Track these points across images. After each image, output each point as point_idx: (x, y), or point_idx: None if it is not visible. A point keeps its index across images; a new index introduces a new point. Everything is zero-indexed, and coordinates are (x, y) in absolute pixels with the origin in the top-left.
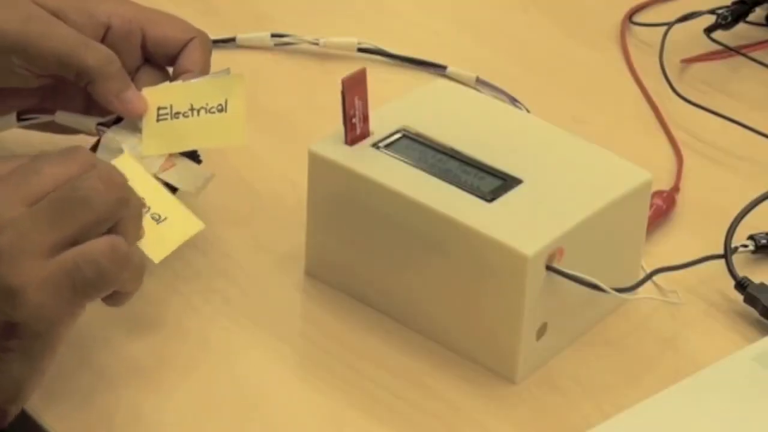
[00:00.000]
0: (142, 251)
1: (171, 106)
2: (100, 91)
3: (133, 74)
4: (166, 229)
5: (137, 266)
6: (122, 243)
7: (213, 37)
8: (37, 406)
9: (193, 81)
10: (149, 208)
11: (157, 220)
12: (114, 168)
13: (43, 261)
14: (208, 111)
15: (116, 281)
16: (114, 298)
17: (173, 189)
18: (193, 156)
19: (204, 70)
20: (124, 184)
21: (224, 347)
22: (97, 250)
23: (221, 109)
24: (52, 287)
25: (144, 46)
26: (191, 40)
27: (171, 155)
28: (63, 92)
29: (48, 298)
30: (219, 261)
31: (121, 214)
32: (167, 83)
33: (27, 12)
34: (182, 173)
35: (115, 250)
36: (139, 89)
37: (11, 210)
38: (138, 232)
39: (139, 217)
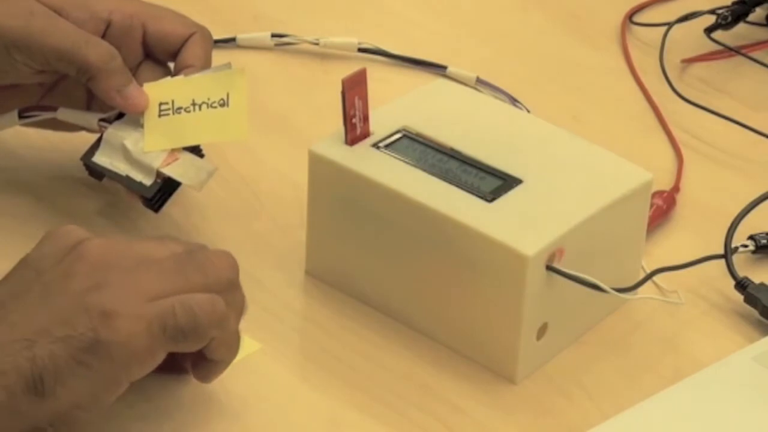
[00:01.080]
0: (239, 331)
1: (172, 101)
2: (101, 87)
3: (134, 70)
4: None
5: (231, 334)
6: (222, 303)
7: (213, 37)
8: None
9: (194, 76)
10: None
11: None
12: (230, 254)
13: (145, 301)
14: (210, 106)
15: (206, 336)
16: (204, 367)
17: (176, 183)
18: (195, 150)
19: (205, 64)
20: (237, 270)
21: None
22: (196, 300)
23: (223, 104)
24: (145, 323)
25: (145, 42)
26: (192, 35)
27: (173, 150)
28: (64, 89)
29: (138, 330)
30: None
31: (229, 294)
32: (168, 78)
33: (29, 8)
34: (185, 167)
35: (214, 306)
36: (141, 85)
37: (125, 258)
38: (239, 318)
39: (242, 306)
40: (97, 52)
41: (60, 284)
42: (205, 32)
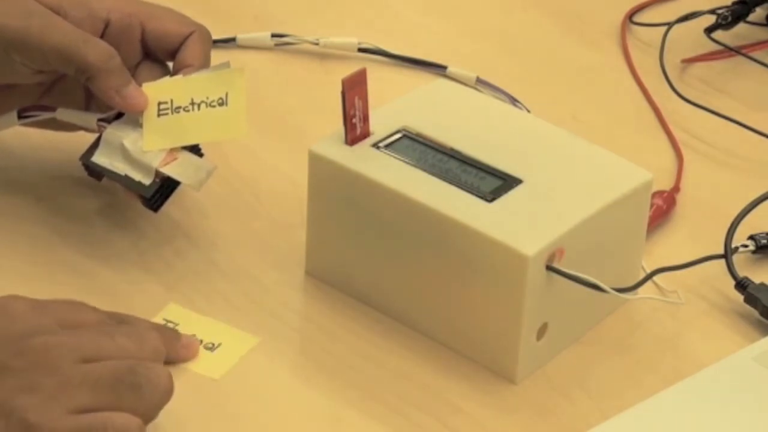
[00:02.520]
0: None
1: (171, 101)
2: (100, 87)
3: (133, 69)
4: (222, 351)
5: None
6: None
7: (213, 37)
8: None
9: (193, 75)
10: (201, 340)
11: (212, 348)
12: (169, 373)
13: (69, 415)
14: (209, 105)
15: None
16: None
17: (176, 183)
18: (194, 150)
19: (204, 63)
20: (171, 393)
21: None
22: (117, 426)
23: (222, 103)
24: None
25: (144, 41)
26: (191, 34)
27: (172, 149)
28: (63, 89)
29: None
30: (219, 261)
31: (161, 408)
32: (167, 78)
33: (27, 7)
34: (184, 167)
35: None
36: (140, 84)
37: (66, 361)
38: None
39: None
40: (96, 51)
41: None
42: (203, 31)
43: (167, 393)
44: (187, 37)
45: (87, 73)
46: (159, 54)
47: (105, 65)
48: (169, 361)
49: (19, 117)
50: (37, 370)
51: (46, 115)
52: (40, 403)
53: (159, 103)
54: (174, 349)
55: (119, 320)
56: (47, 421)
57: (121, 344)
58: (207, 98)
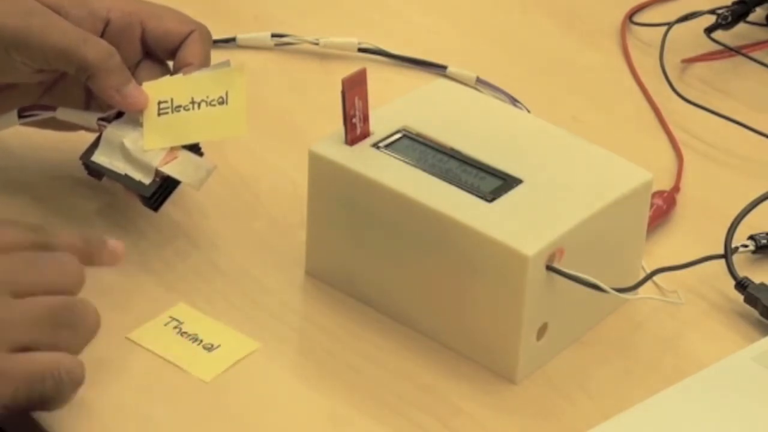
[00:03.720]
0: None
1: (171, 100)
2: (100, 86)
3: (133, 68)
4: (219, 353)
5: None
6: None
7: (213, 37)
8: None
9: (193, 74)
10: (201, 339)
11: (210, 349)
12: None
13: (12, 354)
14: (209, 104)
15: (65, 402)
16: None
17: (176, 182)
18: (194, 149)
19: (204, 62)
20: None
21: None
22: (66, 367)
23: (222, 102)
24: (13, 386)
25: (144, 40)
26: (191, 33)
27: (173, 148)
28: (63, 88)
29: (2, 393)
30: (219, 261)
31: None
32: (167, 77)
33: (27, 6)
34: (184, 166)
35: (81, 372)
36: (140, 83)
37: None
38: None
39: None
40: (96, 50)
41: None
42: (204, 30)
43: (95, 330)
44: (187, 36)
45: (87, 72)
46: (159, 53)
47: (105, 64)
48: (96, 265)
49: (20, 116)
50: None
51: (46, 115)
52: None
53: (159, 102)
54: (100, 256)
55: (41, 243)
56: None
57: (51, 278)
58: (207, 97)
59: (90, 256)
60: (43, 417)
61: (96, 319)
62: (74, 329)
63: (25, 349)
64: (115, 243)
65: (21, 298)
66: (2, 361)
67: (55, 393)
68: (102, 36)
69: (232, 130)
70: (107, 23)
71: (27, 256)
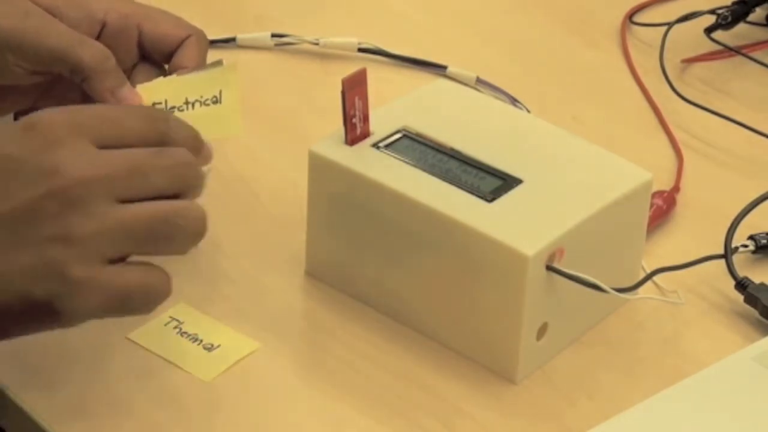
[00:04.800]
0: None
1: (166, 101)
2: (95, 88)
3: (129, 71)
4: (219, 353)
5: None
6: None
7: (213, 37)
8: (36, 406)
9: (186, 75)
10: (201, 339)
11: (210, 348)
12: (203, 215)
13: (104, 264)
14: (203, 104)
15: (147, 311)
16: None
17: None
18: None
19: (200, 68)
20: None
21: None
22: (154, 283)
23: (216, 101)
24: (104, 297)
25: (140, 43)
26: (188, 37)
27: None
28: (59, 91)
29: (94, 304)
30: (219, 261)
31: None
32: (161, 78)
33: (23, 8)
34: None
35: (168, 289)
36: (135, 86)
37: (100, 202)
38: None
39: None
40: (91, 52)
41: (27, 226)
42: (200, 35)
43: (199, 236)
44: (183, 41)
45: (82, 75)
46: (155, 56)
47: (99, 66)
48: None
49: (16, 120)
50: (72, 214)
51: None
52: (78, 255)
53: (154, 104)
54: (202, 153)
55: (159, 140)
56: (91, 276)
57: (156, 185)
58: (201, 97)
59: (197, 151)
60: (43, 417)
61: (198, 228)
62: (171, 241)
63: (118, 260)
64: (208, 145)
65: (128, 202)
66: (92, 273)
67: (140, 308)
68: (98, 38)
69: (227, 129)
70: (104, 25)
71: (143, 159)
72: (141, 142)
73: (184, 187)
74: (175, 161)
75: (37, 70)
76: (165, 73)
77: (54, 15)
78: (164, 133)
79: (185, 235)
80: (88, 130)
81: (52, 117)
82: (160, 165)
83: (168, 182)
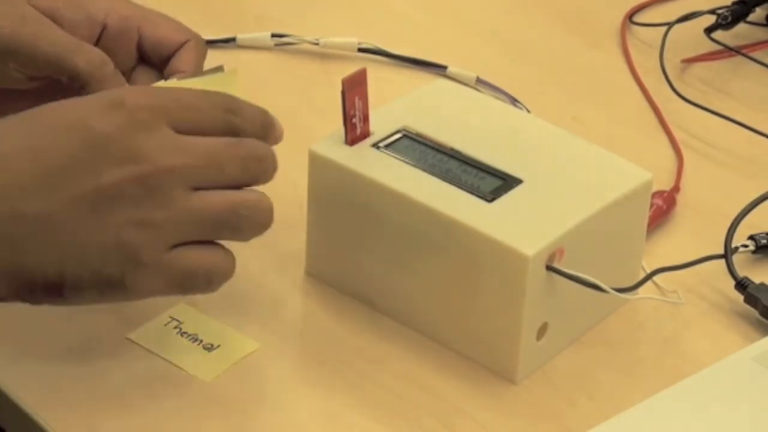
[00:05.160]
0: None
1: None
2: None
3: (128, 73)
4: (219, 353)
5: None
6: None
7: (213, 37)
8: (36, 406)
9: (187, 80)
10: (201, 339)
11: (210, 348)
12: (270, 207)
13: (171, 249)
14: None
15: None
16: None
17: None
18: None
19: (196, 72)
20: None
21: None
22: (218, 271)
23: None
24: (167, 278)
25: (139, 46)
26: (186, 41)
27: None
28: (59, 93)
29: (158, 285)
30: None
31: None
32: (161, 82)
33: (21, 13)
34: None
35: (231, 272)
36: None
37: (178, 190)
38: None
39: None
40: (87, 59)
41: (109, 206)
42: (199, 40)
43: (265, 227)
44: (182, 45)
45: (79, 81)
46: (153, 59)
47: (96, 73)
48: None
49: None
50: (151, 201)
51: None
52: (151, 239)
53: None
54: (274, 134)
55: (234, 128)
56: (158, 259)
57: (230, 175)
58: None
59: (268, 132)
60: (43, 417)
61: (264, 220)
62: (237, 231)
63: (187, 245)
64: (279, 124)
65: (201, 189)
66: (160, 256)
67: (204, 287)
68: (99, 40)
69: None
70: (104, 27)
71: (221, 150)
72: (216, 130)
73: (256, 178)
74: (250, 153)
75: (35, 75)
76: (163, 76)
77: (54, 17)
78: (237, 123)
79: (251, 226)
80: (170, 114)
81: (137, 98)
82: (236, 155)
83: (241, 173)
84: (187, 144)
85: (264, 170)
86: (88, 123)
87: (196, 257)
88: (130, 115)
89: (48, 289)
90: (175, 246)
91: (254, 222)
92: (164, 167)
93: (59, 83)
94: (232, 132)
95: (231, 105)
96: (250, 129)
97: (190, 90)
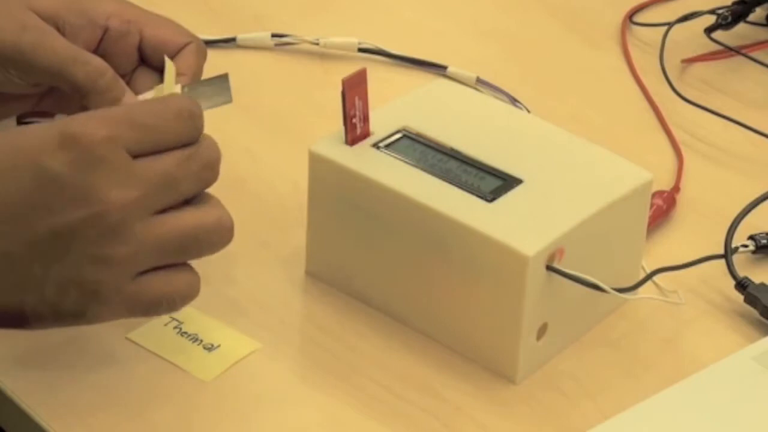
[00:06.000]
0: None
1: None
2: (93, 105)
3: (129, 75)
4: (219, 353)
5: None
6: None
7: (213, 37)
8: (36, 406)
9: (191, 86)
10: (201, 339)
11: (210, 348)
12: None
13: (134, 278)
14: None
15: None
16: None
17: None
18: None
19: (196, 75)
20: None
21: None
22: (181, 296)
23: None
24: (130, 307)
25: (140, 48)
26: (187, 44)
27: None
28: (62, 95)
29: (120, 312)
30: (219, 261)
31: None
32: (161, 86)
33: (21, 22)
34: None
35: (193, 296)
36: (136, 92)
37: (137, 223)
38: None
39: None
40: (85, 71)
41: (65, 245)
42: (200, 44)
43: (225, 245)
44: (183, 47)
45: (79, 92)
46: (154, 62)
47: (96, 84)
48: None
49: (18, 123)
50: (110, 239)
51: (44, 122)
52: (113, 275)
53: None
54: None
55: (194, 137)
56: (119, 293)
57: (186, 192)
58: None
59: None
60: (43, 417)
61: (225, 239)
62: (199, 253)
63: (148, 272)
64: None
65: (162, 213)
66: (122, 288)
67: (168, 312)
68: (100, 42)
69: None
70: (106, 30)
71: (174, 169)
72: (175, 143)
73: (209, 184)
74: (203, 164)
75: (36, 83)
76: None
77: (55, 23)
78: (195, 126)
79: (211, 247)
80: (125, 141)
81: (90, 131)
82: (190, 173)
83: (196, 186)
84: (141, 170)
85: (216, 174)
86: (41, 161)
87: (158, 285)
88: (82, 152)
89: (12, 319)
90: (138, 274)
91: (214, 243)
92: (120, 204)
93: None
94: (191, 138)
95: (186, 110)
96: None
97: (146, 106)
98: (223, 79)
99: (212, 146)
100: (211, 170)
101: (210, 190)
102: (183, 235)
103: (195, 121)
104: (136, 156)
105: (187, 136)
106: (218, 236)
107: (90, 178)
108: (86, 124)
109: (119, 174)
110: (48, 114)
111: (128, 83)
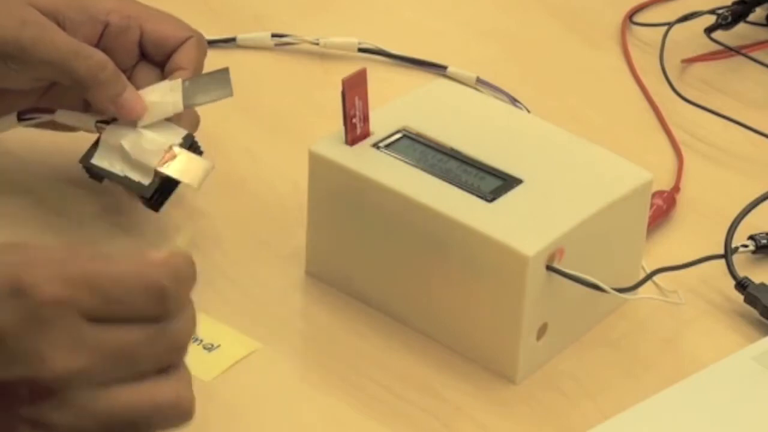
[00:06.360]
0: None
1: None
2: (94, 98)
3: (129, 71)
4: (219, 353)
5: None
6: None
7: (213, 37)
8: None
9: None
10: (201, 339)
11: (210, 348)
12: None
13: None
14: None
15: None
16: None
17: (175, 182)
18: (193, 148)
19: (197, 70)
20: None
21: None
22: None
23: None
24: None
25: (141, 43)
26: (188, 39)
27: (171, 148)
28: (62, 90)
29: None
30: (219, 261)
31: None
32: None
33: (22, 16)
34: (183, 165)
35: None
36: (136, 86)
37: (81, 392)
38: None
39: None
40: (87, 64)
41: (3, 399)
42: (200, 38)
43: (183, 422)
44: (183, 42)
45: (81, 86)
46: (155, 57)
47: (97, 78)
48: None
49: (19, 119)
50: (48, 404)
51: (45, 118)
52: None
53: None
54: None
55: (160, 316)
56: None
57: (142, 370)
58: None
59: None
60: None
61: (183, 420)
62: (149, 429)
63: None
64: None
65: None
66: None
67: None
68: (100, 38)
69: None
70: (106, 25)
71: (134, 346)
72: (139, 319)
73: (171, 365)
74: (169, 346)
75: (37, 77)
76: (164, 74)
77: (55, 18)
78: (168, 309)
79: (166, 424)
80: (81, 305)
81: (44, 289)
82: (151, 353)
83: (155, 365)
84: (95, 341)
85: (183, 354)
86: None
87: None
88: (31, 308)
89: None
90: None
91: (169, 421)
92: (63, 371)
93: (62, 83)
94: (157, 318)
95: (158, 288)
96: (181, 308)
97: (116, 272)
98: (224, 72)
99: (183, 328)
100: (176, 353)
101: (210, 190)
102: (133, 412)
103: (165, 301)
104: (93, 320)
105: (152, 315)
106: (175, 416)
107: (34, 338)
108: (44, 277)
109: (67, 339)
110: (49, 110)
111: (129, 78)
